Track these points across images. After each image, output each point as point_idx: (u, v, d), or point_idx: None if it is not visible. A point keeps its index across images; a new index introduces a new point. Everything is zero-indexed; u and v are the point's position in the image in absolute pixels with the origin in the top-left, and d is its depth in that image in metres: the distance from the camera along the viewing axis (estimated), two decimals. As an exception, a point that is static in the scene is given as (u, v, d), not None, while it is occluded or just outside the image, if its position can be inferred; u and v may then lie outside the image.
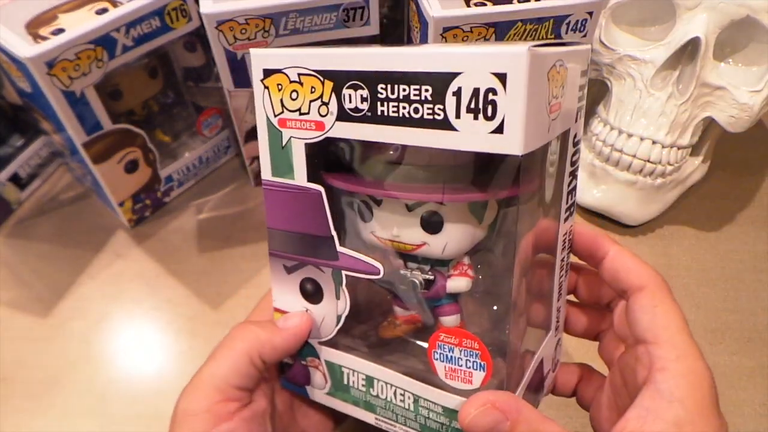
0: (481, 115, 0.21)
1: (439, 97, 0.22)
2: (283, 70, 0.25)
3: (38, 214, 0.52)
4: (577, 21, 0.40)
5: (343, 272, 0.27)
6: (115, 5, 0.40)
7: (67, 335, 0.44)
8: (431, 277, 0.28)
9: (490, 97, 0.21)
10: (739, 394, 0.40)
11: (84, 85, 0.39)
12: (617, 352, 0.29)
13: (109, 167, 0.45)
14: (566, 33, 0.41)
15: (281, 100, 0.26)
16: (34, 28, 0.38)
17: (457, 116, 0.22)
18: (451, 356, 0.26)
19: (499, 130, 0.21)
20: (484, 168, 0.26)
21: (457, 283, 0.28)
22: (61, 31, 0.38)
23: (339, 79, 0.24)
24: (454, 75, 0.21)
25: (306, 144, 0.26)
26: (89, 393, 0.41)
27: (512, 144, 0.21)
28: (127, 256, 0.48)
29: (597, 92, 0.51)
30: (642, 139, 0.45)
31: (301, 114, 0.25)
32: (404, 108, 0.23)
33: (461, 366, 0.26)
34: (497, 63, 0.20)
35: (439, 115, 0.22)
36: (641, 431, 0.22)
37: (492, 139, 0.21)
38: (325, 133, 0.25)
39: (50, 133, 0.47)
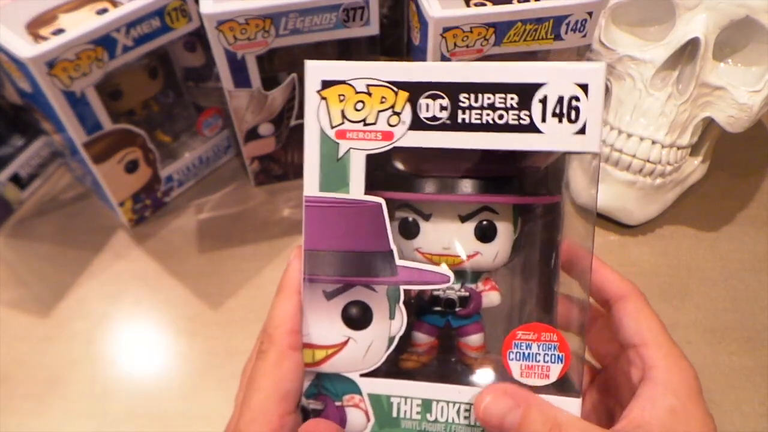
0: (565, 119, 0.24)
1: (525, 104, 0.24)
2: (348, 81, 0.25)
3: (39, 214, 0.52)
4: (577, 21, 0.40)
5: (402, 288, 0.26)
6: (115, 5, 0.40)
7: (67, 335, 0.44)
8: (467, 294, 0.28)
9: (574, 103, 0.24)
10: (739, 394, 0.40)
11: (84, 85, 0.39)
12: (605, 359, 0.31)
13: (109, 167, 0.45)
14: (566, 33, 0.41)
15: (342, 111, 0.25)
16: (34, 28, 0.38)
17: (543, 120, 0.24)
18: (528, 353, 0.26)
19: (582, 131, 0.24)
20: (520, 179, 0.29)
21: (491, 297, 0.29)
22: (61, 31, 0.38)
23: (416, 90, 0.25)
24: (540, 85, 0.24)
25: (367, 156, 0.25)
26: (89, 393, 0.41)
27: (592, 143, 0.24)
28: (127, 256, 0.48)
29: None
30: (642, 139, 0.45)
31: (366, 124, 0.25)
32: (488, 115, 0.25)
33: (538, 362, 0.26)
34: (580, 75, 0.24)
35: (525, 120, 0.24)
36: (642, 417, 0.25)
37: (575, 140, 0.24)
38: (394, 142, 0.25)
39: (50, 133, 0.47)
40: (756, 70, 0.45)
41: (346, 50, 0.47)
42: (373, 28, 0.43)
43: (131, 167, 0.47)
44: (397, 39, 0.49)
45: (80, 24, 0.38)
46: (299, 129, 0.53)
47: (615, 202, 0.48)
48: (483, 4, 0.39)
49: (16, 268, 0.48)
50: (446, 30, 0.39)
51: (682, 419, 0.24)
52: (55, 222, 0.51)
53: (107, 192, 0.46)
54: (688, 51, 0.44)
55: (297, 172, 0.53)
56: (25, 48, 0.36)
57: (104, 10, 0.39)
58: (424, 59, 0.41)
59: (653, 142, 0.45)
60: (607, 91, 0.48)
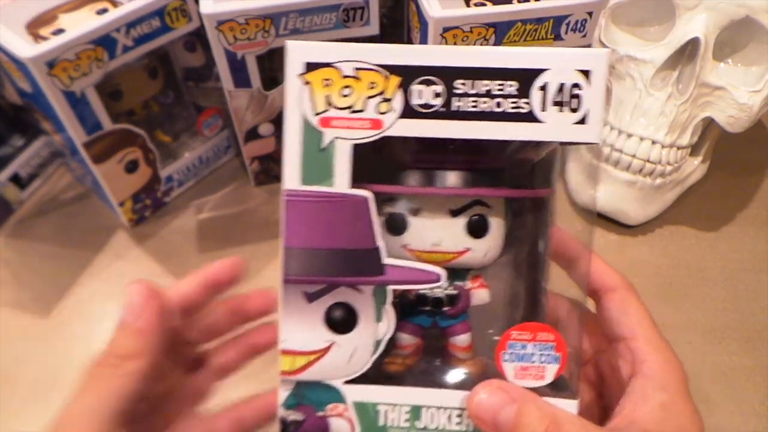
0: (566, 108, 0.23)
1: (524, 92, 0.23)
2: (334, 64, 0.23)
3: (39, 214, 0.52)
4: (577, 21, 0.40)
5: (389, 288, 0.25)
6: (115, 5, 0.40)
7: (67, 335, 0.44)
8: (455, 292, 0.27)
9: (575, 91, 0.23)
10: (739, 394, 0.40)
11: (84, 85, 0.39)
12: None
13: (109, 167, 0.45)
14: (566, 33, 0.41)
15: (327, 97, 0.24)
16: (34, 28, 0.38)
17: (543, 109, 0.23)
18: (523, 354, 0.25)
19: (583, 121, 0.23)
20: (512, 171, 0.27)
21: (480, 295, 0.28)
22: (61, 31, 0.38)
23: (409, 74, 0.23)
24: (541, 71, 0.23)
25: (354, 146, 0.24)
26: (89, 393, 0.41)
27: (593, 133, 0.23)
28: (127, 256, 0.48)
29: (597, 92, 0.51)
30: (642, 139, 0.45)
31: (353, 112, 0.24)
32: (485, 103, 0.23)
33: (533, 362, 0.25)
34: (583, 61, 0.23)
35: (524, 108, 0.23)
36: (634, 413, 0.24)
37: (576, 130, 0.23)
38: (384, 131, 0.24)
39: (50, 133, 0.47)
40: (756, 70, 0.45)
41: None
42: (373, 28, 0.43)
43: (131, 167, 0.47)
44: (397, 39, 0.49)
45: (80, 24, 0.38)
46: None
47: (615, 202, 0.48)
48: (483, 4, 0.39)
49: (16, 268, 0.48)
50: (446, 30, 0.39)
51: (672, 414, 0.24)
52: (55, 222, 0.51)
53: (107, 192, 0.46)
54: (688, 51, 0.44)
55: (297, 172, 0.53)
56: (25, 48, 0.36)
57: (104, 10, 0.39)
58: (424, 59, 0.41)
59: (653, 142, 0.45)
60: (608, 90, 0.48)
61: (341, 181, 0.24)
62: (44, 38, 0.37)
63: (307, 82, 0.24)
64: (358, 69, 0.23)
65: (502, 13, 0.39)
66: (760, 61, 0.45)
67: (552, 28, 0.40)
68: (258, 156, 0.50)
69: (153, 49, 0.42)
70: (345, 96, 0.24)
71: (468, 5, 0.39)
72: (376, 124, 0.24)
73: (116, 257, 0.48)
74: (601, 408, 0.29)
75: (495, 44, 0.40)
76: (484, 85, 0.23)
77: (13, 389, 0.41)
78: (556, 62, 0.23)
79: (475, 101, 0.23)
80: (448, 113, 0.23)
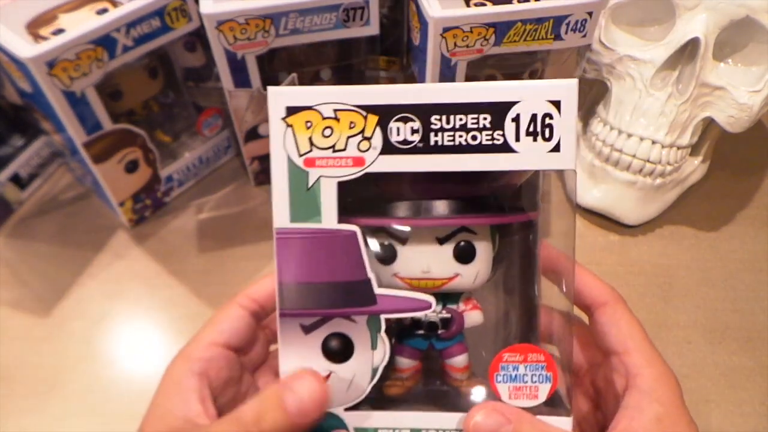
0: (539, 137, 0.24)
1: (498, 124, 0.24)
2: (314, 107, 0.25)
3: (39, 214, 0.52)
4: (577, 21, 0.40)
5: (383, 317, 0.26)
6: (115, 5, 0.40)
7: (67, 335, 0.44)
8: (449, 316, 0.28)
9: (547, 121, 0.24)
10: (739, 394, 0.40)
11: (84, 85, 0.39)
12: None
13: (109, 167, 0.45)
14: (566, 33, 0.41)
15: (310, 138, 0.25)
16: (34, 28, 0.38)
17: (517, 139, 0.24)
18: (516, 375, 0.26)
19: (557, 148, 0.24)
20: (496, 196, 0.28)
21: (473, 317, 0.29)
22: (61, 31, 0.38)
23: (386, 113, 0.25)
24: (512, 103, 0.24)
25: (339, 183, 0.25)
26: (89, 393, 0.41)
27: (567, 160, 0.24)
28: (127, 256, 0.48)
29: (597, 92, 0.51)
30: (641, 139, 0.45)
31: (335, 151, 0.25)
32: (461, 136, 0.24)
33: (526, 382, 0.26)
34: (552, 92, 0.24)
35: (498, 140, 0.24)
36: (630, 427, 0.25)
37: (550, 157, 0.24)
38: (366, 168, 0.25)
39: (50, 133, 0.47)
40: (756, 70, 0.45)
41: (346, 50, 0.47)
42: (373, 28, 0.43)
43: (131, 167, 0.47)
44: (397, 39, 0.49)
45: (80, 24, 0.38)
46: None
47: (615, 202, 0.48)
48: (483, 4, 0.39)
49: (16, 268, 0.48)
50: (446, 30, 0.39)
51: (667, 426, 0.25)
52: (55, 222, 0.51)
53: (107, 192, 0.46)
54: (688, 51, 0.44)
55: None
56: (25, 48, 0.36)
57: (104, 10, 0.39)
58: (424, 59, 0.41)
59: (653, 142, 0.45)
60: (607, 90, 0.48)
61: (329, 218, 0.25)
62: (44, 38, 0.37)
63: (290, 125, 0.25)
64: (336, 110, 0.25)
65: (502, 13, 0.39)
66: (760, 61, 0.45)
67: (552, 28, 0.40)
68: (258, 156, 0.50)
69: (153, 49, 0.42)
70: (326, 136, 0.25)
71: (468, 5, 0.39)
72: (358, 161, 0.25)
73: (116, 257, 0.48)
74: (598, 421, 0.29)
75: (495, 44, 0.40)
76: (459, 120, 0.24)
77: (12, 389, 0.41)
78: (526, 94, 0.24)
79: (452, 135, 0.24)
80: (426, 148, 0.25)
